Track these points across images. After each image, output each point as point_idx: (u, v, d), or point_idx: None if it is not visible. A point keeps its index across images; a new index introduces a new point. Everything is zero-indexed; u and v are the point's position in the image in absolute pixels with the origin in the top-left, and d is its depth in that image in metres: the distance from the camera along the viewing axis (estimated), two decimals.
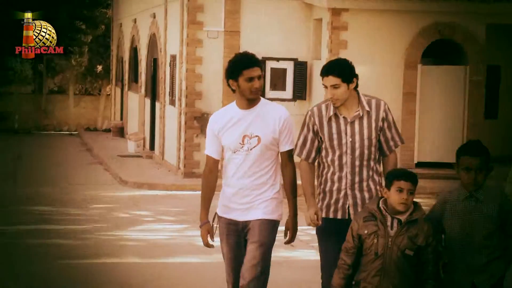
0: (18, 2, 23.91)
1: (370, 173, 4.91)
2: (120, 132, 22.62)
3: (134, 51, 21.41)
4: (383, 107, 4.93)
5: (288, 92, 15.06)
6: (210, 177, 5.05)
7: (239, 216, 4.99)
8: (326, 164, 4.96)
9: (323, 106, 4.92)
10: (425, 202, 12.14)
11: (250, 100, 4.92)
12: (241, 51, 15.54)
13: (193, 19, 15.05)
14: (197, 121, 14.83)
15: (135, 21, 21.00)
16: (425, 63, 14.92)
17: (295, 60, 14.98)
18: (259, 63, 4.94)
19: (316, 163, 5.08)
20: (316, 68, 14.92)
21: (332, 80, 4.75)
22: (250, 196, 4.96)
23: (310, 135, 4.97)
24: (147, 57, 19.50)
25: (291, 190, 5.03)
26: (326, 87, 4.82)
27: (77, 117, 27.34)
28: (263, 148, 4.92)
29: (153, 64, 18.79)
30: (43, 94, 28.04)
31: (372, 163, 4.91)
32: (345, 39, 14.48)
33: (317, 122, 4.93)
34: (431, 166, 14.71)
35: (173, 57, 16.11)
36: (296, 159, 5.03)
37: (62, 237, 9.08)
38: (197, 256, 8.18)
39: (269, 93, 14.89)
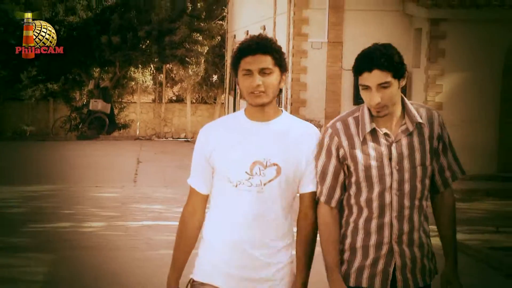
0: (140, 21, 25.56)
1: (422, 218, 3.39)
2: None
3: None
4: (438, 119, 3.40)
5: None
6: (191, 220, 3.37)
7: None
8: (355, 207, 3.35)
9: (351, 120, 3.34)
10: None
11: (259, 108, 3.24)
12: (343, 61, 16.62)
13: (298, 31, 15.99)
14: None
15: (247, 33, 22.09)
16: None
17: None
18: (268, 49, 3.19)
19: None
20: (415, 75, 15.53)
21: (378, 76, 3.19)
22: (258, 257, 3.27)
23: (333, 163, 3.33)
24: None
25: (305, 252, 3.33)
26: (366, 88, 3.24)
27: (194, 124, 28.73)
28: (282, 185, 3.24)
29: None
30: (162, 103, 29.62)
31: (424, 204, 3.40)
32: (444, 48, 15.04)
33: (344, 144, 3.31)
34: None
35: None
36: None
37: (173, 232, 10.08)
38: None
39: None
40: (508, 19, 15.07)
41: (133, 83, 28.92)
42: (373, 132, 3.32)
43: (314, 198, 3.35)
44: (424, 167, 3.33)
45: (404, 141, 3.31)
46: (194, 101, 30.04)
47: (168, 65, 28.69)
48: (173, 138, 27.92)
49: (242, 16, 23.31)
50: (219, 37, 28.31)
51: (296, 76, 15.86)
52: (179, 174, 16.48)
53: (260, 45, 3.20)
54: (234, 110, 24.72)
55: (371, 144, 3.31)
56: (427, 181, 3.37)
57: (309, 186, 3.33)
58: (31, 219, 10.87)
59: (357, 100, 15.71)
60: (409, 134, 3.32)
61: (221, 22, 28.58)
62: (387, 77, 3.20)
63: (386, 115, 3.28)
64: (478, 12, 15.05)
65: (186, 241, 3.41)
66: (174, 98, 30.75)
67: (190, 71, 28.29)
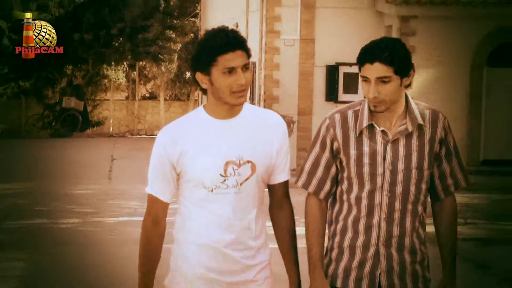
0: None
1: (416, 224, 3.24)
2: None
3: None
4: (442, 122, 3.22)
5: (360, 95, 15.96)
6: (155, 231, 3.16)
7: None
8: (346, 204, 3.24)
9: (350, 113, 3.23)
10: (491, 197, 12.91)
11: (231, 106, 3.07)
12: (315, 57, 16.85)
13: (271, 28, 16.17)
14: None
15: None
16: (491, 65, 15.61)
17: None
18: (244, 44, 3.01)
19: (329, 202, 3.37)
20: None
21: (379, 69, 3.07)
22: (241, 260, 3.12)
23: (326, 155, 3.24)
24: None
25: (291, 245, 3.24)
26: (366, 80, 3.12)
27: (168, 121, 28.74)
28: (259, 181, 3.12)
29: None
30: (135, 100, 29.66)
31: (420, 209, 3.24)
32: (413, 45, 15.28)
33: (339, 137, 3.21)
34: (497, 164, 15.44)
35: (253, 64, 17.25)
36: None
37: None
38: None
39: (342, 96, 15.90)
40: (476, 16, 15.37)
41: (106, 80, 28.95)
42: (371, 129, 3.18)
43: (287, 187, 3.23)
44: (421, 171, 3.18)
45: (402, 142, 3.17)
46: (168, 98, 30.13)
47: (141, 62, 28.75)
48: (146, 135, 27.98)
49: (215, 13, 23.44)
50: (192, 34, 28.41)
51: (269, 73, 16.04)
52: None
53: (238, 40, 2.99)
54: None
55: (366, 141, 3.18)
56: (423, 186, 3.22)
57: (281, 176, 3.19)
58: (7, 216, 10.94)
59: (329, 96, 15.94)
60: (408, 135, 3.18)
61: (194, 19, 28.68)
62: (387, 71, 3.06)
63: (383, 112, 3.14)
64: (447, 9, 15.35)
65: (153, 254, 3.17)
66: (147, 95, 30.82)
67: (163, 68, 28.38)
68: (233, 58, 2.96)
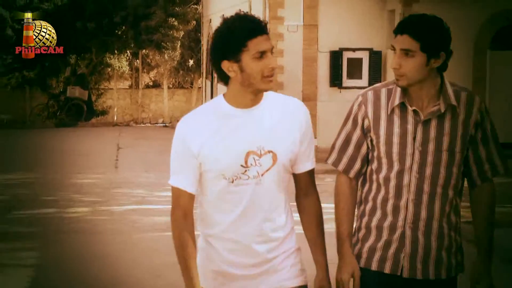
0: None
1: (446, 208, 3.14)
2: None
3: None
4: (478, 105, 3.16)
5: (364, 80, 16.00)
6: (186, 225, 3.03)
7: (249, 286, 3.07)
8: (375, 184, 3.21)
9: (384, 91, 3.17)
10: (495, 180, 12.97)
11: (258, 92, 2.98)
12: (319, 43, 16.84)
13: (274, 15, 16.17)
14: None
15: (222, 16, 22.19)
16: (494, 48, 15.62)
17: (370, 50, 15.89)
18: (267, 28, 2.97)
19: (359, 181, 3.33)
20: (390, 57, 15.80)
21: (404, 41, 3.06)
22: (263, 254, 3.04)
23: (357, 133, 3.21)
24: None
25: (318, 232, 3.15)
26: (393, 50, 3.11)
27: (171, 109, 28.86)
28: (281, 171, 3.02)
29: None
30: (139, 89, 29.69)
31: (451, 193, 3.14)
32: None
33: (370, 114, 3.17)
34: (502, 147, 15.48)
35: None
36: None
37: (157, 215, 10.29)
38: None
39: (346, 81, 15.92)
40: None
41: (109, 69, 28.96)
42: (403, 108, 3.12)
43: (313, 176, 3.14)
44: (452, 154, 3.10)
45: (434, 123, 3.10)
46: (171, 86, 30.16)
47: (144, 51, 28.76)
48: (151, 124, 28.04)
49: (218, 0, 23.43)
50: (194, 22, 28.41)
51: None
52: (159, 159, 16.66)
53: (262, 24, 2.93)
54: (212, 94, 24.85)
55: (397, 120, 3.12)
56: (455, 169, 3.13)
57: (305, 165, 3.10)
58: (15, 206, 11.01)
59: (334, 82, 15.96)
60: (440, 116, 3.10)
61: (196, 6, 28.67)
62: (412, 45, 3.03)
63: (405, 87, 3.08)
64: None
65: (189, 247, 3.02)
66: (151, 83, 30.85)
67: (166, 56, 28.39)
68: (262, 42, 2.90)
